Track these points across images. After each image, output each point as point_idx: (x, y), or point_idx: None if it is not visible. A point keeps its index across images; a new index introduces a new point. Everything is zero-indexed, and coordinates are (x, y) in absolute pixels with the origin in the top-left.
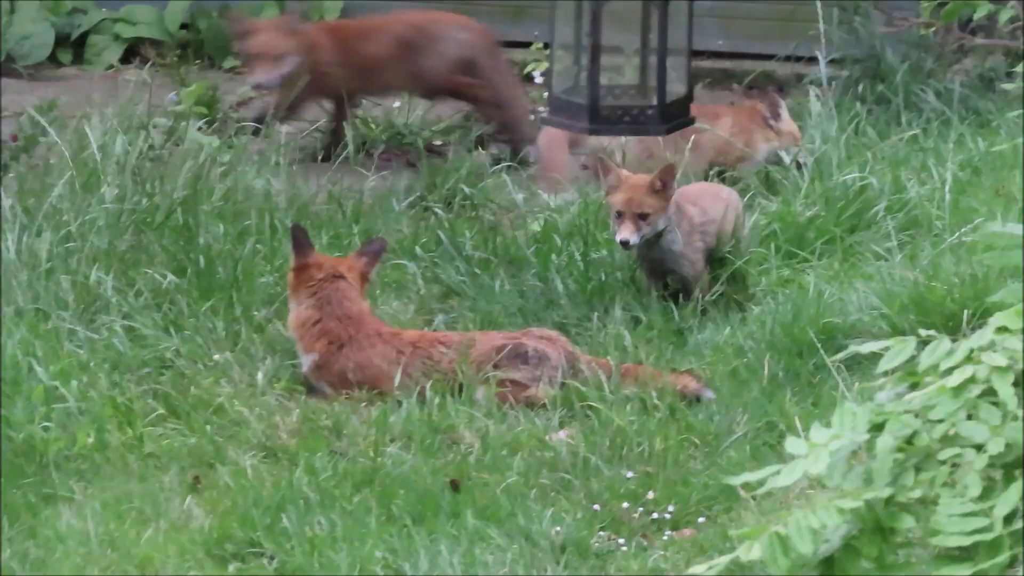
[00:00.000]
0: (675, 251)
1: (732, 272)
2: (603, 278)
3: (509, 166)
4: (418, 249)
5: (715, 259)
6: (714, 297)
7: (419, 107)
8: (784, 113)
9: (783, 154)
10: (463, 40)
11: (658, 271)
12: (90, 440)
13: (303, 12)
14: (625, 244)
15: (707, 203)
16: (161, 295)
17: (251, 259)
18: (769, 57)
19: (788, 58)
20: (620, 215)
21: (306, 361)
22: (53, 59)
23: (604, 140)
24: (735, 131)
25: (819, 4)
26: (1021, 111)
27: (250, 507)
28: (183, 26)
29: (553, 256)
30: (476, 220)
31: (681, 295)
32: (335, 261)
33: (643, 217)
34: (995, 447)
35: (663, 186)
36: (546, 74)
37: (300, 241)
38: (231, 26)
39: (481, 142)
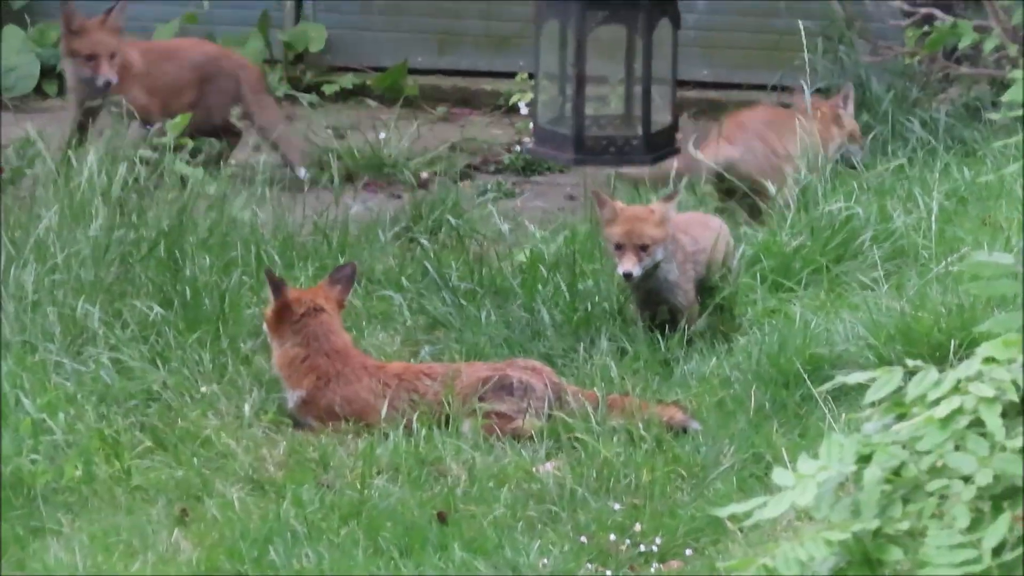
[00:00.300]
0: (670, 281)
1: (719, 302)
2: (589, 308)
3: (495, 196)
4: (404, 280)
5: (704, 288)
6: (701, 328)
7: (404, 138)
8: (851, 107)
9: (849, 150)
10: (242, 77)
11: (651, 301)
12: (78, 473)
13: (286, 42)
14: (628, 276)
15: (697, 232)
16: (148, 327)
17: (237, 291)
18: (755, 87)
19: (774, 87)
20: (620, 247)
21: (292, 397)
22: (39, 91)
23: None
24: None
25: (803, 33)
26: (1006, 141)
27: (237, 540)
28: None
29: (539, 287)
30: (462, 251)
31: (668, 325)
32: (311, 293)
33: (643, 248)
34: (983, 478)
35: (663, 216)
36: (531, 104)
37: (276, 284)
38: (64, 20)
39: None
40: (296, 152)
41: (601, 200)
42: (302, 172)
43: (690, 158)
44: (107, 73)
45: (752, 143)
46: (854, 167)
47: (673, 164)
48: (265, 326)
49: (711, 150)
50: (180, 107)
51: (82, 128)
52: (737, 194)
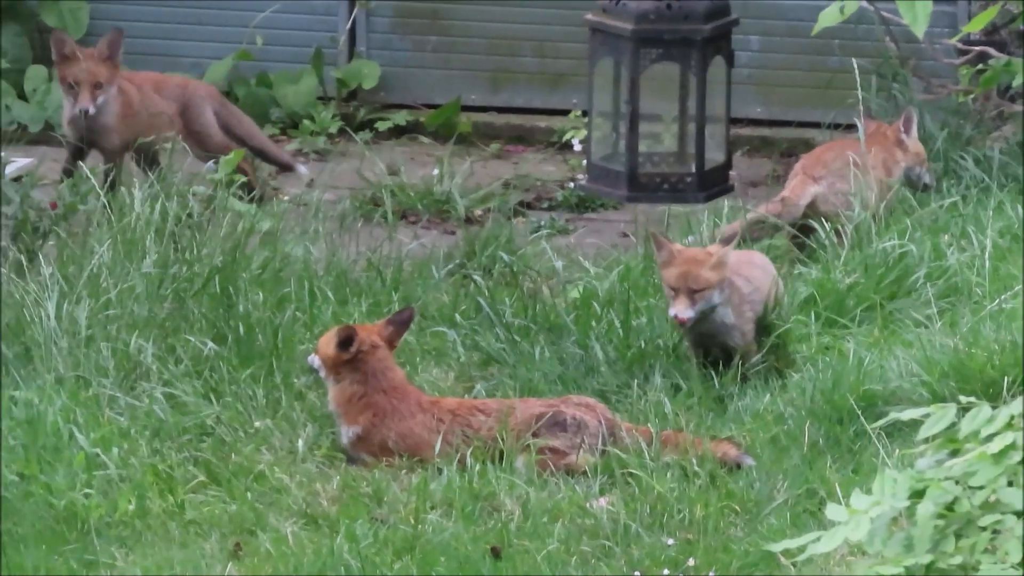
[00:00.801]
0: (727, 324)
1: (773, 340)
2: (643, 345)
3: (548, 233)
4: (458, 316)
5: (761, 326)
6: (756, 366)
7: (458, 175)
8: (914, 131)
9: (917, 174)
10: (210, 95)
11: (705, 342)
12: (131, 507)
13: (339, 79)
14: (680, 321)
15: (749, 271)
16: (201, 362)
17: (291, 326)
18: (808, 124)
19: (828, 125)
20: (675, 290)
21: (347, 433)
22: None
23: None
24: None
25: (857, 71)
26: None
27: (291, 575)
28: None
29: (593, 323)
30: (515, 287)
31: (722, 362)
32: (369, 330)
33: (697, 291)
34: None
35: (719, 260)
36: (585, 142)
37: (348, 337)
38: (54, 46)
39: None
40: (285, 153)
41: (659, 242)
42: (303, 169)
43: (780, 203)
44: (85, 102)
45: (834, 180)
46: (925, 188)
47: (765, 209)
48: (318, 362)
49: (797, 189)
50: (165, 137)
51: (76, 157)
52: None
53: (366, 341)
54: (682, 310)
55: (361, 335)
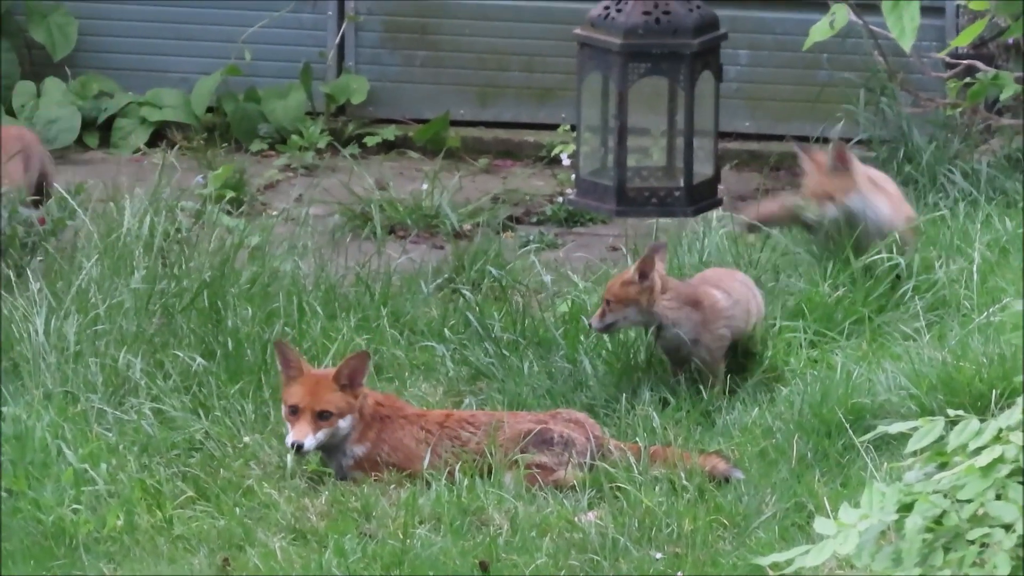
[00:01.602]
0: (690, 339)
1: (759, 353)
2: (631, 360)
3: (537, 247)
4: (447, 331)
5: (744, 341)
6: (718, 391)
7: (447, 190)
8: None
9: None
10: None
11: (675, 357)
12: (119, 522)
13: (327, 94)
14: (599, 328)
15: (729, 284)
16: (190, 378)
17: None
18: (796, 138)
19: (816, 139)
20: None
21: (355, 452)
22: (80, 143)
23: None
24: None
25: (846, 86)
26: None
27: None
28: (209, 109)
29: (581, 337)
30: (504, 302)
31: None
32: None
33: (609, 306)
34: None
35: (642, 276)
36: (573, 156)
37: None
38: None
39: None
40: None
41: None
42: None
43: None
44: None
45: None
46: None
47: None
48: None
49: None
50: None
51: None
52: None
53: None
54: (595, 321)
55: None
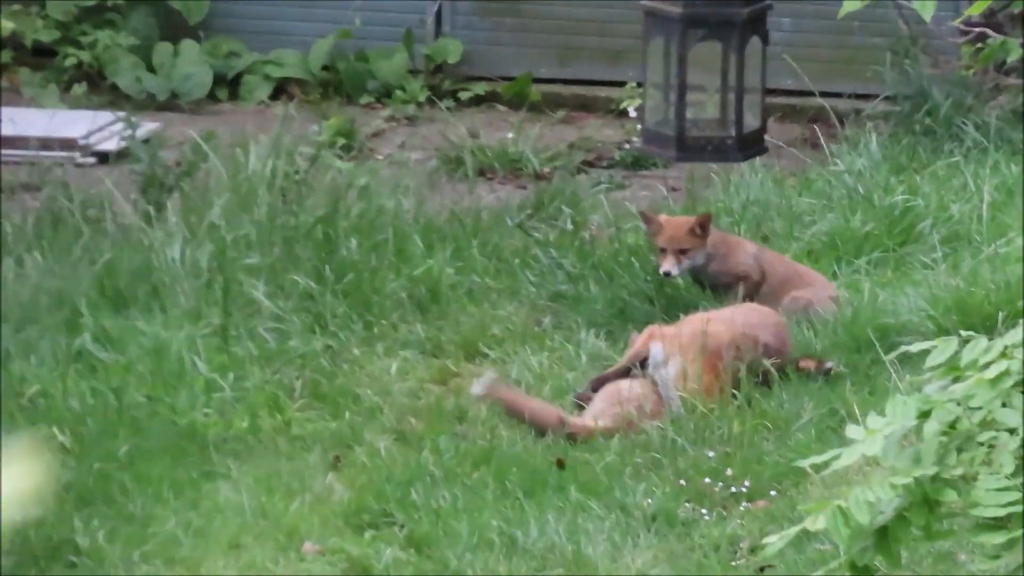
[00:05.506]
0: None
1: None
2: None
3: (607, 188)
4: (529, 260)
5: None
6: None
7: (529, 139)
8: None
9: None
10: None
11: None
12: (244, 425)
13: (427, 55)
14: (667, 275)
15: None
16: (306, 299)
17: (383, 268)
18: (832, 94)
19: (849, 95)
20: (663, 251)
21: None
22: (211, 96)
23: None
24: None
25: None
26: None
27: (383, 483)
28: (324, 68)
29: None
30: (576, 235)
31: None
32: None
33: (683, 252)
34: None
35: (701, 227)
36: (639, 109)
37: None
38: None
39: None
40: None
41: (647, 218)
42: None
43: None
44: None
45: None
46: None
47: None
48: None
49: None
50: None
51: None
52: None
53: None
54: (669, 266)
55: None
